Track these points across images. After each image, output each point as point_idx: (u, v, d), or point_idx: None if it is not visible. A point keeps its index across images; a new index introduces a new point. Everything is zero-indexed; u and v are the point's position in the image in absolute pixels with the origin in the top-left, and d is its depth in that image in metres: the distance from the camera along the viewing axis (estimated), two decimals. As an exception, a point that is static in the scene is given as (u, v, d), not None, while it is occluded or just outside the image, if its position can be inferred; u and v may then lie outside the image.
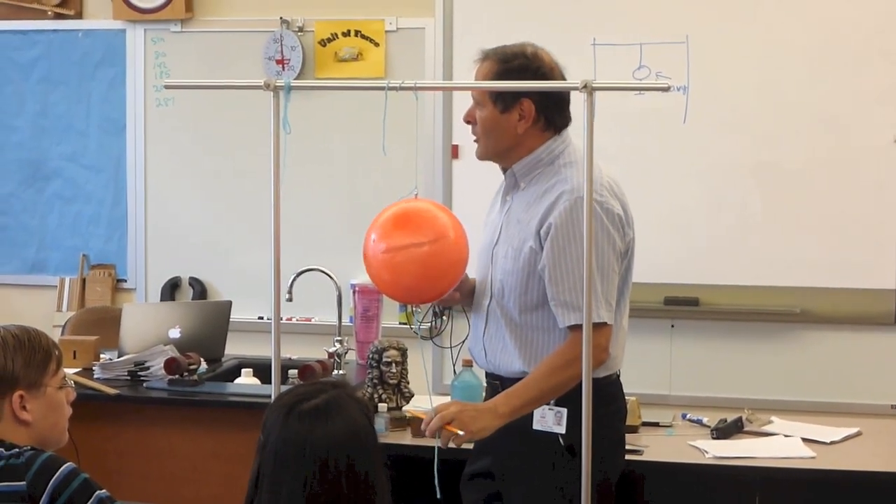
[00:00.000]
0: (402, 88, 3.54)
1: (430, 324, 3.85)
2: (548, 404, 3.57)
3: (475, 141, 3.75)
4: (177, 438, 4.61)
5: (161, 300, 6.32)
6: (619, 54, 5.72)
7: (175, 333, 5.04)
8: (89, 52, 6.49)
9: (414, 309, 3.86)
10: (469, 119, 3.74)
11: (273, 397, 3.57)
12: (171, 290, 6.36)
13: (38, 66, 6.54)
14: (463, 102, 5.40)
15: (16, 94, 6.58)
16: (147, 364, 4.82)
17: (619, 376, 3.77)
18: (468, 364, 4.10)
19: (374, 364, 4.49)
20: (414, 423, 4.28)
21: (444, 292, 3.63)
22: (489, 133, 3.68)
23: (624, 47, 5.73)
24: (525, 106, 3.63)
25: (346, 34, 6.16)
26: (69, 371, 4.61)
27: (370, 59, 6.14)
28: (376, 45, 6.13)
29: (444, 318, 3.96)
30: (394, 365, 4.47)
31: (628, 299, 3.73)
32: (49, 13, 6.48)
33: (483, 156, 3.76)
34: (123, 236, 6.49)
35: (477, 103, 3.70)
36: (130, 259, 6.48)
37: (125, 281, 6.50)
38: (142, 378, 4.78)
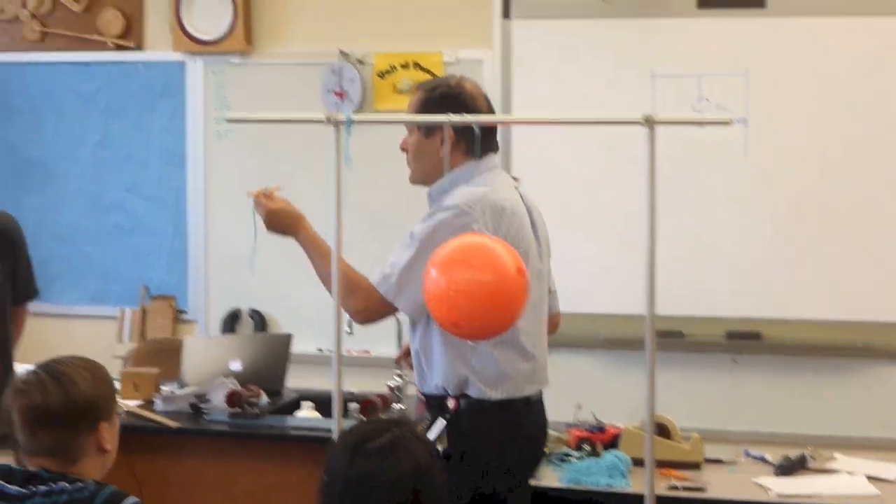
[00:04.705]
0: (461, 122, 3.55)
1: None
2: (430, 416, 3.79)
3: (408, 165, 3.99)
4: (238, 472, 4.61)
5: (221, 332, 6.33)
6: (679, 85, 5.70)
7: (236, 366, 5.04)
8: (149, 83, 6.53)
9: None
10: (404, 147, 3.99)
11: (335, 432, 3.57)
12: (230, 321, 6.37)
13: (99, 97, 6.59)
14: (521, 134, 5.43)
15: (77, 126, 6.63)
16: (208, 397, 4.82)
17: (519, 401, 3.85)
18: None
19: (434, 398, 4.46)
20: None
21: (506, 328, 3.62)
22: (417, 157, 3.96)
23: (683, 79, 5.70)
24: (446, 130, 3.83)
25: (405, 66, 6.17)
26: (130, 403, 4.70)
27: (429, 90, 6.14)
28: (435, 77, 6.13)
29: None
30: (453, 399, 4.45)
31: (524, 324, 3.81)
32: (110, 45, 6.54)
33: (414, 180, 4.02)
34: (184, 267, 6.51)
35: (408, 130, 3.97)
36: (191, 290, 6.50)
37: (185, 312, 6.52)
38: (203, 411, 4.79)
